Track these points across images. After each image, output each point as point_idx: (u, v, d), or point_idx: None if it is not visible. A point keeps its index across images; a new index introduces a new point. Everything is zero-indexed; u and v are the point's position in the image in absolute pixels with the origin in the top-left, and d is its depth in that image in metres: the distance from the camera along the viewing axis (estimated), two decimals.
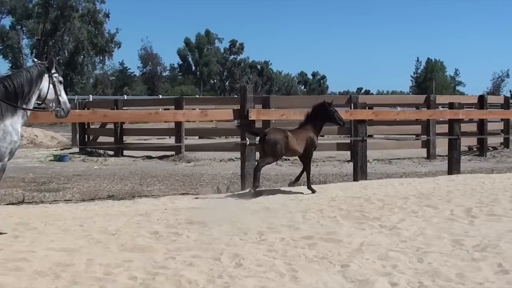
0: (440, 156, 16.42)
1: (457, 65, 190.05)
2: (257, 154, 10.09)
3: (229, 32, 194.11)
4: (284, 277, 4.80)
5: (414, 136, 19.02)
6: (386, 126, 18.73)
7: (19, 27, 68.32)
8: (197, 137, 21.62)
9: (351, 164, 12.15)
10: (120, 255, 5.51)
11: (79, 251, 5.62)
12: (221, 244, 5.88)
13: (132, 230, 6.61)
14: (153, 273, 4.88)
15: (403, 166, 15.05)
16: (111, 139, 18.34)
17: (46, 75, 6.55)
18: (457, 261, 5.23)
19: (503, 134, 19.72)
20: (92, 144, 19.59)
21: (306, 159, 9.69)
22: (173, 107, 17.86)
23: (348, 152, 15.40)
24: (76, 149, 19.04)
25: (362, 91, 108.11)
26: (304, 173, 9.73)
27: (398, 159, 16.25)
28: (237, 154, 10.40)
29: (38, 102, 6.65)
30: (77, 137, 20.28)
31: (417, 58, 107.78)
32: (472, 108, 19.34)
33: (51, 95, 6.61)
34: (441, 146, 15.82)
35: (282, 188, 10.14)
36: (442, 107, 19.32)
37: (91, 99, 35.21)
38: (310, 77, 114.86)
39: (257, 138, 9.68)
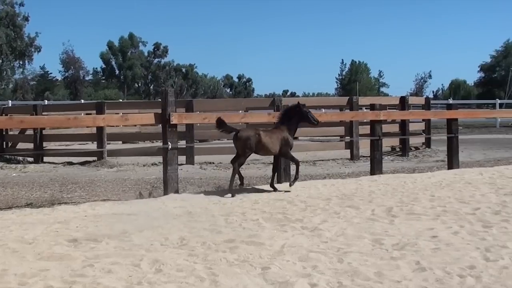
0: (363, 156, 16.73)
1: (381, 67, 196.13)
2: (180, 159, 9.97)
3: (153, 35, 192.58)
4: (204, 281, 4.74)
5: (338, 137, 19.36)
6: (310, 128, 18.82)
7: None
8: (121, 142, 21.24)
9: None
10: (37, 264, 5.32)
11: None
12: (141, 250, 5.77)
13: (50, 238, 6.39)
14: (70, 282, 4.75)
15: (327, 167, 15.20)
16: (31, 145, 17.84)
17: None
18: (376, 260, 5.31)
19: (424, 134, 20.26)
20: (11, 151, 18.98)
21: (285, 157, 10.26)
22: (94, 112, 17.48)
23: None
24: None
25: (288, 93, 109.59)
26: (276, 173, 10.32)
27: (323, 160, 16.40)
28: (161, 159, 10.23)
29: None
30: None
31: (342, 60, 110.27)
32: (394, 109, 19.75)
33: None
34: (365, 147, 16.09)
35: (206, 191, 10.10)
36: (365, 109, 19.58)
37: (10, 105, 34.01)
38: (236, 80, 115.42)
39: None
